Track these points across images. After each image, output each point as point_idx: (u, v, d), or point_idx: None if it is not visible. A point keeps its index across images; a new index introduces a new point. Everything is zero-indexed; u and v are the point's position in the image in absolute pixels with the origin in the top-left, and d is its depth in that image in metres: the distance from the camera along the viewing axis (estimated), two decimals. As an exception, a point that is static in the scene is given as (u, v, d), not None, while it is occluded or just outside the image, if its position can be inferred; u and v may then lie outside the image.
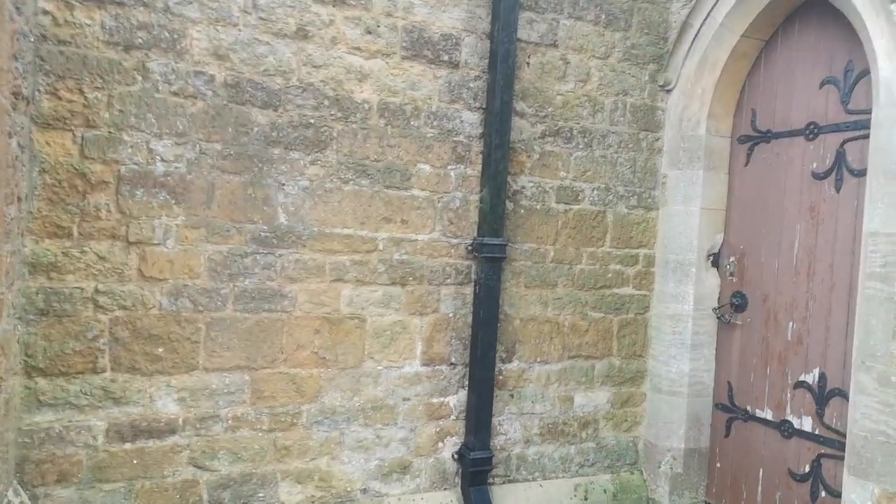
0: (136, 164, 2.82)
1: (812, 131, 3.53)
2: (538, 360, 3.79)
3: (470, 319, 3.55)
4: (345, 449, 3.29)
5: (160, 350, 2.88)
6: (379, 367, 3.35)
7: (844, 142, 3.37)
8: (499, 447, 3.64)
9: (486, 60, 3.54)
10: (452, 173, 3.50)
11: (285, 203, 3.11)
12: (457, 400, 3.55)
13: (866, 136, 3.23)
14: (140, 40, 2.81)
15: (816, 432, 3.43)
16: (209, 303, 2.97)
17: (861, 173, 3.27)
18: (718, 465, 3.98)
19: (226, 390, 3.01)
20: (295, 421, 3.16)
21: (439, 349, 3.49)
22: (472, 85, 3.52)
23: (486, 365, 3.49)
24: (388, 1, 3.29)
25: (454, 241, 3.51)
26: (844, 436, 3.25)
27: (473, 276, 3.55)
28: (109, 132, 2.77)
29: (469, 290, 3.55)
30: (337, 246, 3.23)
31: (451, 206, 3.50)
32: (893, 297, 2.82)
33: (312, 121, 3.16)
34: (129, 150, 2.80)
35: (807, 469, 3.46)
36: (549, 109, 3.75)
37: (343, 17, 3.19)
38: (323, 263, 3.20)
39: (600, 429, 4.00)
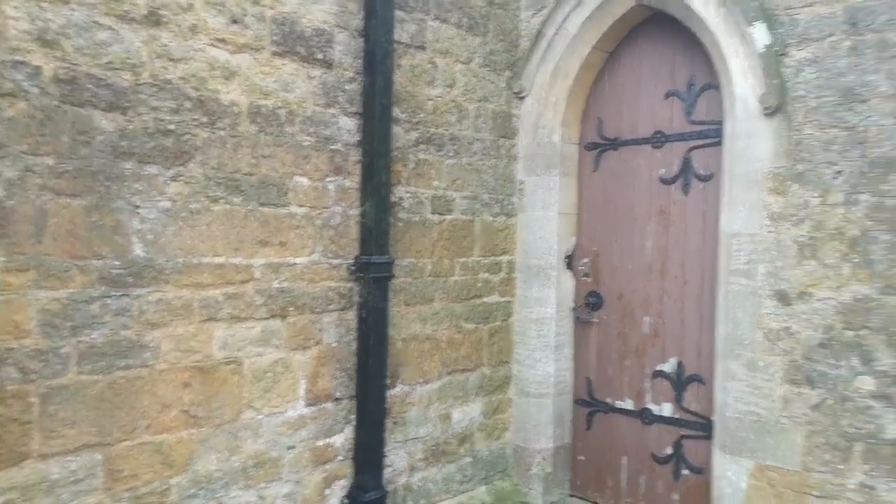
0: (-75, 187, 2.01)
1: (658, 139, 3.81)
2: (420, 380, 3.58)
3: (354, 347, 3.22)
4: (224, 519, 2.76)
5: (-21, 441, 2.11)
6: (259, 416, 2.87)
7: (690, 149, 3.69)
8: (386, 481, 3.37)
9: (360, 60, 3.20)
10: (331, 186, 3.12)
11: (142, 230, 2.48)
12: (343, 438, 3.20)
13: (710, 145, 3.58)
14: (-79, 12, 1.99)
15: (677, 416, 3.74)
16: (44, 368, 2.25)
17: (707, 178, 3.61)
18: (582, 458, 4.17)
19: (71, 479, 2.32)
20: (163, 500, 2.56)
21: (324, 385, 3.11)
22: (347, 87, 3.16)
23: (377, 396, 3.20)
24: (253, -15, 2.79)
25: (336, 261, 3.14)
26: (704, 418, 3.60)
27: (357, 299, 3.21)
28: None
29: (352, 315, 3.21)
30: (207, 278, 2.67)
31: (331, 222, 3.12)
32: (756, 291, 3.15)
33: (172, 127, 2.56)
34: (-85, 168, 1.98)
35: (669, 451, 3.77)
36: (422, 115, 3.54)
37: (203, 1, 2.63)
38: (191, 301, 2.63)
39: (475, 441, 3.94)
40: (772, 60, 3.10)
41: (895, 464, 2.79)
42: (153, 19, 2.49)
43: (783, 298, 3.09)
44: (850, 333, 2.90)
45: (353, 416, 3.20)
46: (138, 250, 2.47)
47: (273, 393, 2.89)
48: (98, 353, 2.37)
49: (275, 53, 2.88)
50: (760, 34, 3.13)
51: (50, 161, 2.25)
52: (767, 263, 3.13)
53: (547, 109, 4.05)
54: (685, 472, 3.70)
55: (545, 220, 4.08)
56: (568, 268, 4.15)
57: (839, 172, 2.94)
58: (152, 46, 2.50)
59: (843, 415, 2.92)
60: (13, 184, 2.17)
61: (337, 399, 3.15)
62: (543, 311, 4.08)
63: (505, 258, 4.09)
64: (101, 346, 2.37)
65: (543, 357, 4.07)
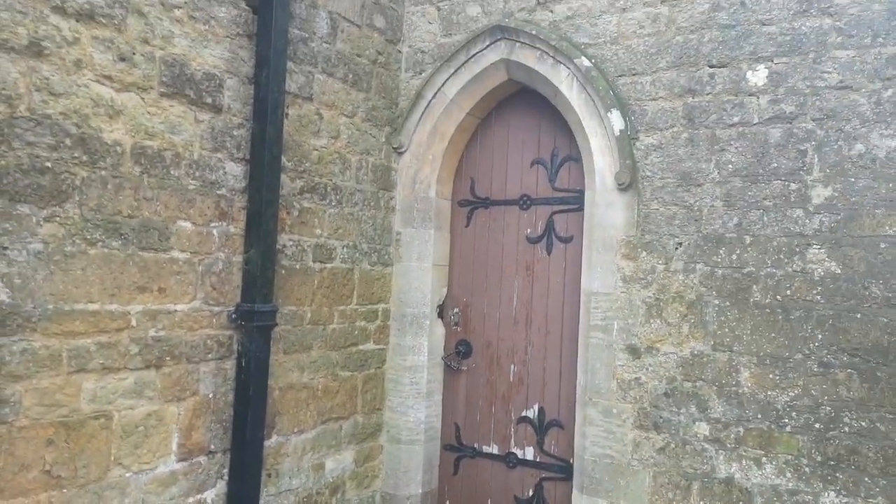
0: None
1: (525, 202, 4.16)
2: (295, 430, 3.54)
3: (231, 398, 3.13)
4: (81, 588, 2.53)
5: None
6: (128, 474, 2.69)
7: (553, 213, 4.06)
8: (258, 536, 3.26)
9: (249, 107, 3.21)
10: (215, 231, 3.06)
11: (9, 274, 2.29)
12: (215, 493, 3.07)
13: (571, 210, 3.98)
14: None
15: (538, 460, 4.00)
16: None
17: (567, 240, 3.99)
18: (448, 503, 4.29)
19: (-89, 554, 2.04)
20: (17, 571, 2.32)
21: (198, 438, 2.98)
22: (235, 133, 3.15)
23: (254, 448, 3.11)
24: (146, 25, 2.73)
25: (217, 308, 3.06)
26: (562, 460, 3.90)
27: (237, 348, 3.14)
28: None
29: (230, 364, 3.13)
30: (79, 326, 2.50)
31: (213, 269, 3.05)
32: (612, 345, 3.52)
33: (49, 164, 2.41)
34: None
35: (530, 493, 4.01)
36: (307, 164, 3.59)
37: (91, 36, 2.53)
38: (59, 351, 2.44)
39: (347, 490, 3.93)
40: (625, 143, 3.55)
41: (725, 500, 3.21)
42: (34, 50, 2.36)
43: (634, 352, 3.47)
44: (689, 384, 3.33)
45: (225, 471, 3.09)
46: (3, 296, 2.27)
47: (144, 448, 2.73)
48: (-51, 409, 2.12)
49: (163, 94, 2.82)
50: (616, 119, 3.58)
51: None
52: (621, 320, 3.51)
53: (424, 166, 4.26)
54: (545, 512, 3.95)
55: (420, 270, 4.24)
56: (440, 317, 4.33)
57: (679, 244, 3.40)
58: (32, 78, 2.36)
59: (683, 457, 3.32)
60: None
61: (211, 452, 3.03)
62: (416, 358, 4.20)
63: (381, 306, 4.18)
64: (-48, 401, 2.13)
65: (415, 404, 4.18)
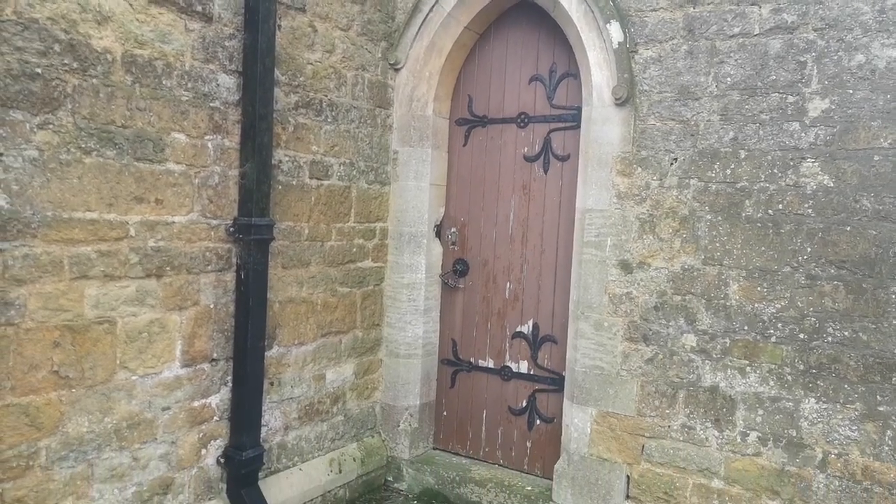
0: None
1: (523, 120, 4.13)
2: (296, 342, 3.65)
3: (232, 309, 3.21)
4: (95, 483, 2.68)
5: None
6: (134, 377, 2.80)
7: (550, 131, 4.04)
8: (262, 440, 3.42)
9: (241, 17, 3.15)
10: (210, 144, 3.06)
11: (6, 180, 2.32)
12: (219, 399, 3.19)
13: (568, 128, 3.95)
14: None
15: (532, 373, 4.14)
16: None
17: (564, 158, 3.98)
18: (445, 413, 4.46)
19: (-70, 443, 2.16)
20: (31, 463, 2.44)
21: (201, 346, 3.08)
22: (227, 44, 3.10)
23: (256, 357, 3.22)
24: (130, -73, 2.65)
25: (214, 222, 3.10)
26: (555, 373, 4.02)
27: (235, 261, 3.20)
28: None
29: (230, 277, 3.20)
30: (79, 234, 2.55)
31: (209, 182, 3.07)
32: (604, 261, 3.57)
33: (39, 70, 2.39)
34: None
35: (524, 404, 4.16)
36: (301, 79, 3.55)
37: (74, -64, 2.46)
38: (60, 257, 2.50)
39: (347, 401, 4.08)
40: (623, 56, 3.49)
41: (709, 407, 3.34)
42: (14, -50, 2.30)
43: (626, 267, 3.53)
44: (679, 298, 3.40)
45: (229, 378, 3.21)
46: (2, 202, 2.30)
47: (148, 353, 2.83)
48: (-44, 310, 2.20)
49: (151, 1, 2.76)
50: (615, 31, 3.51)
51: None
52: (614, 237, 3.55)
53: (421, 83, 4.20)
54: (538, 422, 4.11)
55: (418, 190, 4.26)
56: (437, 236, 4.38)
57: (675, 160, 3.40)
58: (17, -20, 2.31)
59: (670, 367, 3.42)
60: None
61: (214, 360, 3.14)
62: (414, 276, 4.28)
63: (379, 225, 4.22)
64: (-41, 302, 2.20)
65: (413, 320, 4.28)
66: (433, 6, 4.10)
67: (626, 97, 3.48)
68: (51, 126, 2.43)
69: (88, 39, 2.54)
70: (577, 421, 3.66)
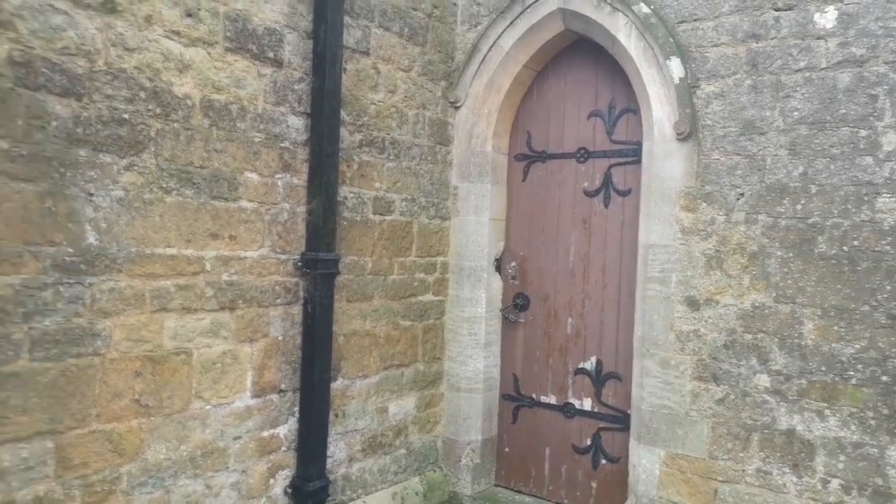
0: None
1: (582, 155, 4.13)
2: (360, 374, 3.70)
3: (299, 341, 3.30)
4: (168, 509, 2.77)
5: (-76, 428, 2.04)
6: (208, 407, 2.89)
7: (611, 166, 4.02)
8: (327, 471, 3.46)
9: (309, 62, 3.30)
10: (280, 183, 3.19)
11: (95, 218, 2.48)
12: (287, 429, 3.26)
13: (629, 163, 3.93)
14: None
15: (595, 410, 4.05)
16: (-4, 354, 2.20)
17: (625, 193, 3.95)
18: (507, 450, 4.41)
19: (22, 466, 2.28)
20: (113, 488, 2.55)
21: (270, 377, 3.17)
22: (296, 87, 3.25)
23: (321, 389, 3.29)
24: (211, -18, 2.84)
25: (283, 257, 3.21)
26: (620, 411, 3.93)
27: (302, 294, 3.30)
28: None
29: (297, 310, 3.29)
30: (159, 269, 2.69)
31: (279, 218, 3.19)
32: (669, 297, 3.50)
33: (126, 116, 2.57)
34: None
35: (588, 442, 4.07)
36: (365, 119, 3.67)
37: (160, -8, 2.65)
38: (143, 291, 2.63)
39: (409, 434, 4.09)
40: (685, 92, 3.47)
41: (786, 451, 3.19)
42: (109, 7, 2.50)
43: (693, 304, 3.45)
44: (749, 336, 3.29)
45: (296, 408, 3.28)
46: (91, 238, 2.46)
47: (221, 384, 2.93)
48: (50, 340, 2.34)
49: (227, 49, 2.93)
50: (675, 67, 3.49)
51: (3, 144, 2.22)
52: (679, 273, 3.48)
53: (480, 120, 4.28)
54: (603, 461, 4.02)
55: (477, 224, 4.30)
56: (497, 271, 4.39)
57: (741, 194, 3.33)
58: (108, 34, 2.51)
59: (743, 408, 3.30)
60: (-33, 166, 2.13)
61: (282, 391, 3.22)
62: (474, 310, 4.29)
63: (439, 259, 4.27)
64: (53, 333, 2.35)
65: (474, 354, 4.28)
66: (492, 46, 4.19)
67: (688, 132, 3.45)
68: (136, 168, 2.59)
69: (170, 86, 2.71)
70: (645, 462, 3.56)
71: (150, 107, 2.64)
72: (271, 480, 3.19)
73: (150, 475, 2.67)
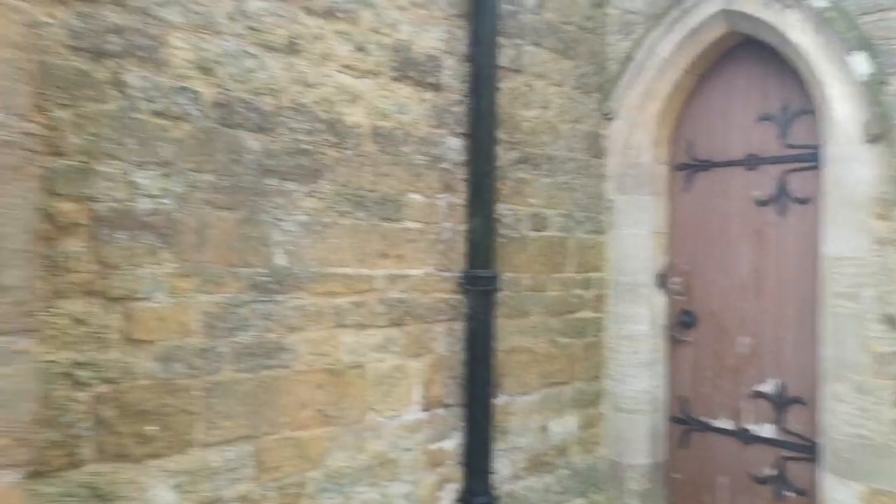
0: (115, 200, 2.26)
1: (752, 162, 3.86)
2: (520, 391, 3.69)
3: (462, 357, 3.36)
4: (348, 515, 2.92)
5: (152, 428, 2.32)
6: (380, 419, 3.03)
7: (786, 172, 3.72)
8: (492, 487, 3.46)
9: (466, 84, 3.39)
10: (441, 203, 3.30)
11: (283, 242, 2.70)
12: (454, 444, 3.33)
13: (806, 168, 3.61)
14: (113, 47, 2.26)
15: (776, 437, 3.72)
16: (206, 365, 2.46)
17: (803, 201, 3.63)
18: (678, 476, 4.16)
19: (227, 467, 2.52)
20: (301, 492, 2.74)
21: (436, 391, 3.25)
22: (454, 110, 3.35)
23: (484, 404, 3.32)
24: (376, 16, 3.02)
25: (445, 274, 3.30)
26: (805, 439, 3.58)
27: (465, 311, 3.36)
28: (81, 161, 2.19)
29: (459, 326, 3.36)
30: (337, 287, 2.87)
31: (441, 237, 3.29)
32: (862, 314, 3.15)
33: (307, 147, 2.79)
34: (107, 184, 2.24)
35: (770, 472, 3.74)
36: (519, 136, 3.70)
37: (333, 30, 2.87)
38: (323, 308, 2.82)
39: (571, 454, 4.00)
40: (873, 89, 3.14)
41: None
42: (292, 48, 2.74)
43: (892, 323, 3.07)
44: (966, 351, 2.87)
45: (461, 423, 3.33)
46: (280, 260, 2.69)
47: (392, 397, 3.05)
48: (248, 353, 2.58)
49: (392, 78, 3.10)
50: (860, 63, 3.17)
51: (210, 178, 2.50)
52: (873, 287, 3.13)
53: (636, 130, 4.15)
54: (788, 493, 3.67)
55: (636, 238, 4.15)
56: (659, 286, 4.20)
57: (948, 195, 2.94)
58: (290, 73, 2.75)
59: (960, 433, 2.88)
60: (181, 198, 2.41)
61: (447, 405, 3.29)
62: (635, 328, 4.13)
63: (597, 275, 4.17)
64: (250, 346, 2.58)
65: (636, 373, 4.12)
66: (647, 54, 4.06)
67: (879, 133, 3.11)
68: (316, 194, 2.80)
69: (343, 117, 2.91)
70: (840, 496, 3.21)
71: (326, 137, 2.85)
72: (439, 493, 3.25)
73: (332, 481, 2.83)
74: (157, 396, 2.34)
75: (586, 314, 4.11)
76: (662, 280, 4.20)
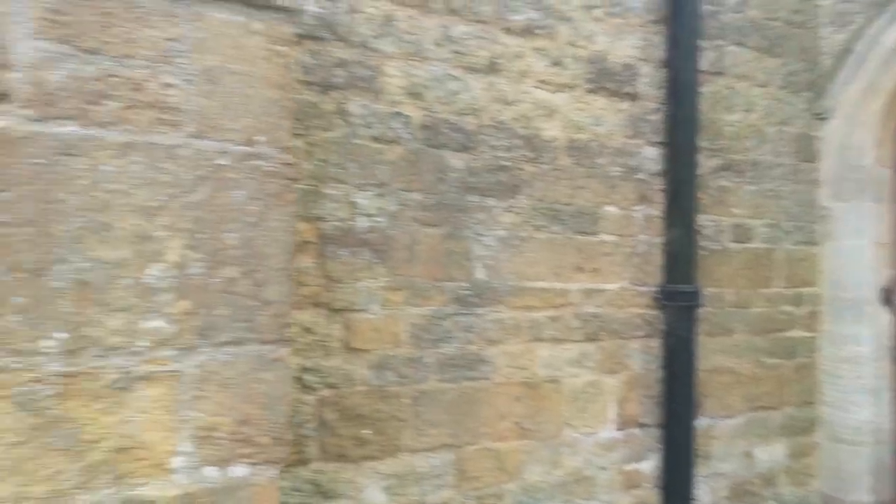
0: (338, 220, 2.46)
1: None
2: (722, 414, 3.46)
3: (658, 375, 3.22)
4: (544, 530, 2.91)
5: (367, 432, 2.49)
6: (576, 435, 2.99)
7: None
8: (689, 514, 3.28)
9: (663, 91, 3.26)
10: (637, 215, 3.19)
11: (483, 256, 2.77)
12: (650, 466, 3.19)
13: None
14: (338, 79, 2.47)
15: None
16: (413, 374, 2.60)
17: None
18: (909, 519, 3.66)
19: (431, 473, 2.63)
20: (498, 503, 2.78)
21: (632, 410, 3.15)
22: (650, 118, 3.23)
23: (685, 426, 3.16)
24: (573, 29, 3.01)
25: (641, 288, 3.19)
26: None
27: (662, 327, 3.22)
28: (311, 185, 2.41)
29: (656, 343, 3.22)
30: (533, 301, 2.89)
31: (637, 250, 3.19)
32: None
33: (505, 163, 2.84)
34: (332, 205, 2.45)
35: None
36: (721, 142, 3.48)
37: (531, 48, 2.90)
38: (520, 322, 2.85)
39: (779, 485, 3.67)
40: None
41: None
42: (492, 68, 2.81)
43: None
44: None
45: (657, 445, 3.20)
46: (480, 274, 2.76)
47: (587, 413, 3.01)
48: (450, 364, 2.68)
49: (588, 90, 3.06)
50: None
51: (418, 196, 2.63)
52: None
53: (856, 129, 3.73)
54: None
55: (857, 249, 3.73)
56: (884, 303, 3.73)
57: None
58: (491, 92, 2.81)
59: None
60: (393, 216, 2.57)
61: (643, 425, 3.17)
62: (856, 349, 3.70)
63: (809, 290, 3.80)
64: (452, 358, 2.68)
65: (857, 400, 3.68)
66: (870, 44, 3.64)
67: None
68: (513, 209, 2.85)
69: (539, 132, 2.92)
70: None
71: (523, 152, 2.88)
72: (636, 516, 3.14)
73: (528, 495, 2.84)
74: (372, 402, 2.50)
75: (797, 333, 3.75)
76: (888, 296, 3.73)
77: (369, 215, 2.52)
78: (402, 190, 2.60)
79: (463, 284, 2.72)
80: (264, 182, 1.55)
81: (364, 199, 2.51)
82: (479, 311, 2.76)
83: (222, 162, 1.50)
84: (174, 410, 1.44)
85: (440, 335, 2.66)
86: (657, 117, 3.25)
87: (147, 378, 1.40)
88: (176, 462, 1.43)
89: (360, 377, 2.49)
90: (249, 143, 1.53)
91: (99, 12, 1.37)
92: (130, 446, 1.37)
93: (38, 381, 1.30)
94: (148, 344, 1.39)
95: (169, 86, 1.44)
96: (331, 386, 2.43)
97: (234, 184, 1.51)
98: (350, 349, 2.47)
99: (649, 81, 3.23)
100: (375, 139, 2.54)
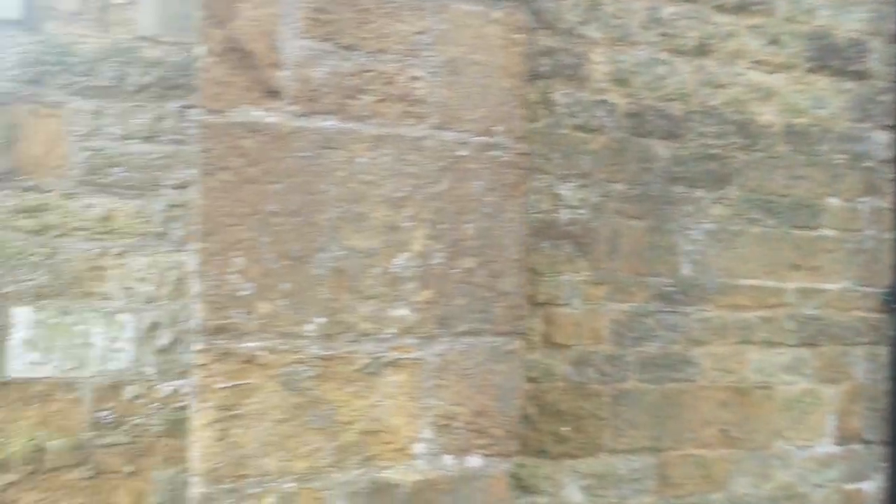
0: (541, 211, 2.42)
1: None
2: (961, 437, 3.00)
3: (885, 386, 2.86)
4: (745, 547, 2.69)
5: (566, 429, 2.44)
6: (788, 447, 2.74)
7: None
8: (918, 547, 2.89)
9: (894, 68, 2.87)
10: (862, 207, 2.85)
11: (690, 251, 2.61)
12: (874, 486, 2.85)
13: None
14: (544, 68, 2.42)
15: None
16: (614, 372, 2.50)
17: None
18: None
19: (631, 476, 2.53)
20: (703, 513, 2.62)
21: (853, 424, 2.83)
22: (881, 99, 2.87)
23: (918, 446, 2.77)
24: (792, 4, 2.73)
25: (867, 290, 2.85)
26: None
27: (890, 333, 2.86)
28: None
29: (882, 351, 2.87)
30: (742, 300, 2.67)
31: (863, 247, 2.85)
32: None
33: (715, 151, 2.64)
34: (535, 196, 2.41)
35: None
36: (967, 123, 3.01)
37: (745, 26, 2.67)
38: (727, 322, 2.65)
39: None
40: None
41: None
42: (701, 49, 2.62)
43: None
44: None
45: (883, 464, 2.85)
46: (686, 270, 2.60)
47: (802, 425, 2.74)
48: (652, 364, 2.55)
49: (808, 70, 2.77)
50: None
51: (621, 187, 2.52)
52: None
53: None
54: None
55: None
56: None
57: None
58: (699, 75, 2.63)
59: None
60: (595, 207, 2.48)
61: (866, 441, 2.84)
62: None
63: None
64: (654, 357, 2.55)
65: None
66: None
67: None
68: (723, 200, 2.65)
69: (753, 116, 2.69)
70: None
71: (735, 139, 2.67)
72: (856, 543, 2.82)
73: (734, 508, 2.65)
74: (572, 399, 2.44)
75: None
76: None
77: (572, 207, 2.45)
78: (605, 181, 2.51)
79: (667, 280, 2.57)
80: (501, 173, 1.54)
81: (567, 191, 2.45)
82: (685, 309, 2.60)
83: (463, 153, 1.50)
84: (416, 397, 1.47)
85: (642, 333, 2.54)
86: (889, 98, 2.88)
87: (394, 364, 1.44)
88: (418, 448, 1.46)
89: (560, 373, 2.44)
90: (487, 133, 1.53)
91: (357, 9, 1.42)
92: (378, 429, 1.42)
93: (300, 362, 1.37)
94: (395, 331, 1.43)
95: (416, 78, 1.46)
96: (532, 380, 2.40)
97: (473, 174, 1.51)
98: (551, 343, 2.43)
99: (879, 58, 2.87)
100: (579, 128, 2.46)
